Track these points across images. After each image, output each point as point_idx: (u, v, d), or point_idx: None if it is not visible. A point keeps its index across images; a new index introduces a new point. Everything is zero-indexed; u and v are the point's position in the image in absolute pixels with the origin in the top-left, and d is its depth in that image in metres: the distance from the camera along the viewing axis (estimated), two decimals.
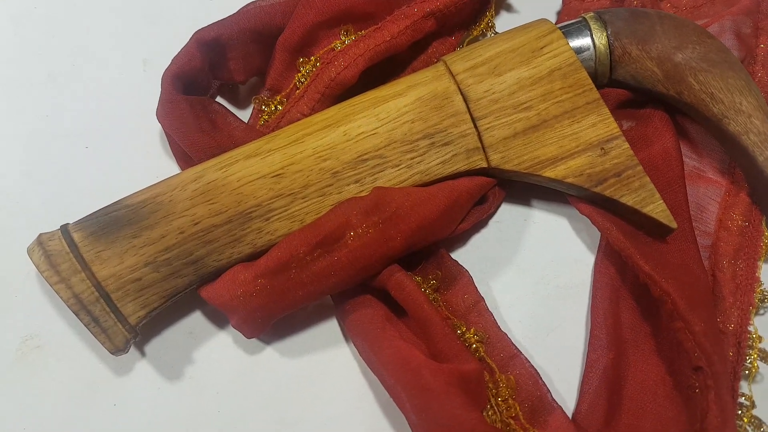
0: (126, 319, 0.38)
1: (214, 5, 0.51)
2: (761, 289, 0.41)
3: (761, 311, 0.41)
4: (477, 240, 0.44)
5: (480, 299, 0.41)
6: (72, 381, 0.41)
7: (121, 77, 0.49)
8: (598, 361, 0.39)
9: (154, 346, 0.42)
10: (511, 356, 0.40)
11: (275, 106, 0.45)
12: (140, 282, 0.38)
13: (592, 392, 0.39)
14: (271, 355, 0.41)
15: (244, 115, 0.48)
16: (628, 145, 0.40)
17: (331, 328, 0.42)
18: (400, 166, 0.40)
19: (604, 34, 0.42)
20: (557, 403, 0.38)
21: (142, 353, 0.42)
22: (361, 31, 0.44)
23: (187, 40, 0.43)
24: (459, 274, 0.42)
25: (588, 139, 0.40)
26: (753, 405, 0.38)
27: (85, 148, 0.46)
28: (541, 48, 0.41)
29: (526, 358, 0.39)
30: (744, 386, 0.39)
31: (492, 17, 0.48)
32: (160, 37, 0.50)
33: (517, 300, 0.42)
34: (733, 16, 0.47)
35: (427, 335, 0.39)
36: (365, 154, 0.40)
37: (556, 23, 0.48)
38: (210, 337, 0.42)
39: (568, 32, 0.43)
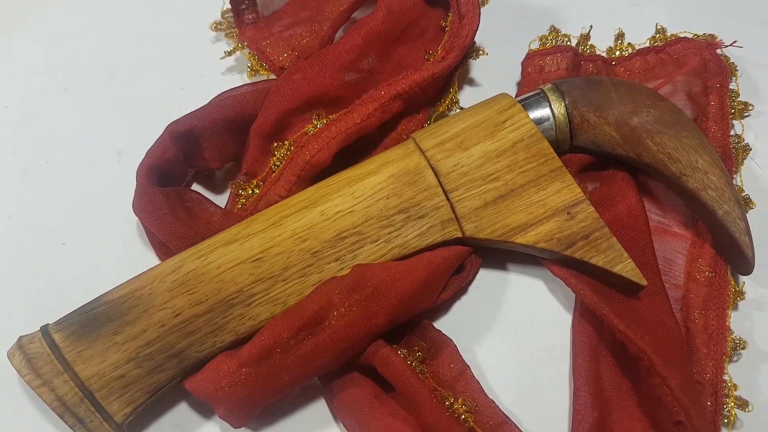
0: (112, 418, 0.38)
1: (186, 94, 0.52)
2: (732, 338, 0.42)
3: (734, 359, 0.42)
4: (458, 307, 0.45)
5: (466, 367, 0.42)
6: None
7: (95, 170, 0.49)
8: (583, 421, 0.40)
9: None
10: (500, 423, 0.40)
11: (252, 190, 0.46)
12: (124, 379, 0.38)
13: None
14: None
15: (222, 199, 0.49)
16: (593, 209, 0.42)
17: (319, 408, 0.42)
18: (379, 242, 0.41)
19: (563, 104, 0.45)
20: None
21: None
22: (332, 114, 0.46)
23: (162, 129, 0.44)
24: (443, 343, 0.43)
25: (554, 205, 0.42)
26: None
27: (62, 245, 0.47)
28: (504, 122, 0.43)
29: (515, 424, 0.40)
30: None
31: (456, 93, 0.50)
32: (133, 127, 0.51)
33: (502, 365, 0.43)
34: (684, 76, 0.49)
35: (416, 410, 0.39)
36: (343, 232, 0.41)
37: (516, 94, 0.51)
38: (197, 428, 0.41)
39: (528, 104, 0.45)
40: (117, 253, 0.46)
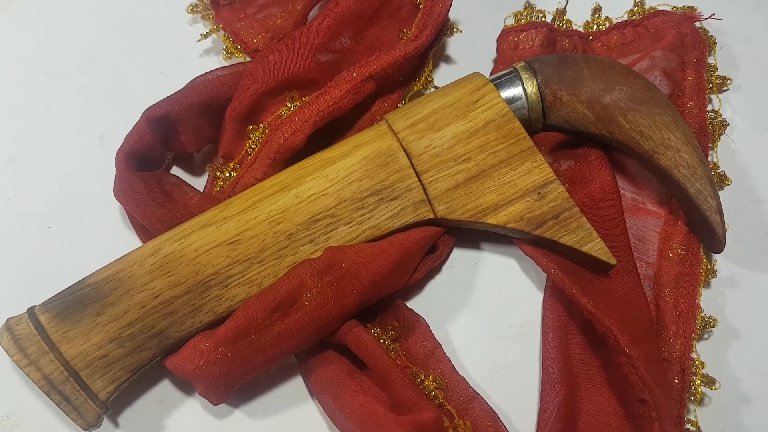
0: (96, 395, 0.39)
1: (164, 78, 0.52)
2: (702, 316, 0.42)
3: (705, 336, 0.43)
4: (432, 286, 0.46)
5: (437, 345, 0.43)
6: None
7: (79, 155, 0.50)
8: (552, 397, 0.41)
9: (126, 416, 0.43)
10: (469, 399, 0.41)
11: (229, 173, 0.47)
12: (107, 358, 0.39)
13: (549, 428, 0.40)
14: (239, 417, 0.43)
15: (201, 181, 0.49)
16: (564, 188, 0.42)
17: (296, 385, 0.43)
18: (352, 223, 0.42)
19: (535, 82, 0.45)
20: None
21: (116, 424, 0.43)
22: (305, 97, 0.46)
23: (142, 113, 0.45)
24: (416, 322, 0.44)
25: (525, 185, 0.42)
26: (699, 430, 0.40)
27: (48, 228, 0.48)
28: (475, 102, 0.43)
29: (484, 400, 0.41)
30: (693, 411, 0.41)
31: (430, 72, 0.50)
32: (115, 112, 0.51)
33: (473, 342, 0.44)
34: (660, 51, 0.49)
35: (387, 386, 0.40)
36: (317, 214, 0.42)
37: (491, 72, 0.51)
38: (179, 404, 0.43)
39: (501, 83, 0.45)
40: (101, 235, 0.48)
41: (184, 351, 0.40)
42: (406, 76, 0.49)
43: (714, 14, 0.50)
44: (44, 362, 0.39)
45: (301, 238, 0.41)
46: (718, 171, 0.47)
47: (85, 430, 0.40)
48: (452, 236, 0.46)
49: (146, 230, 0.45)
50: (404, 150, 0.43)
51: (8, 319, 0.40)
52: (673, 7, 0.51)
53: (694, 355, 0.41)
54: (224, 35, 0.51)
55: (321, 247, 0.42)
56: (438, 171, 0.43)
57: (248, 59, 0.50)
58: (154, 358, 0.41)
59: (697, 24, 0.50)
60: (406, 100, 0.50)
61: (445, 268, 0.46)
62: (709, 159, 0.48)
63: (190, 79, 0.47)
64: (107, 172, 0.45)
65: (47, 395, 0.39)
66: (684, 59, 0.49)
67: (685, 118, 0.47)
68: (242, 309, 0.40)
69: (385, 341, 0.43)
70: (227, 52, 0.50)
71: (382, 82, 0.47)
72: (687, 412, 0.41)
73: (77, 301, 0.40)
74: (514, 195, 0.42)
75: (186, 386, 0.44)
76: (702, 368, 0.41)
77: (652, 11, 0.51)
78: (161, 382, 0.44)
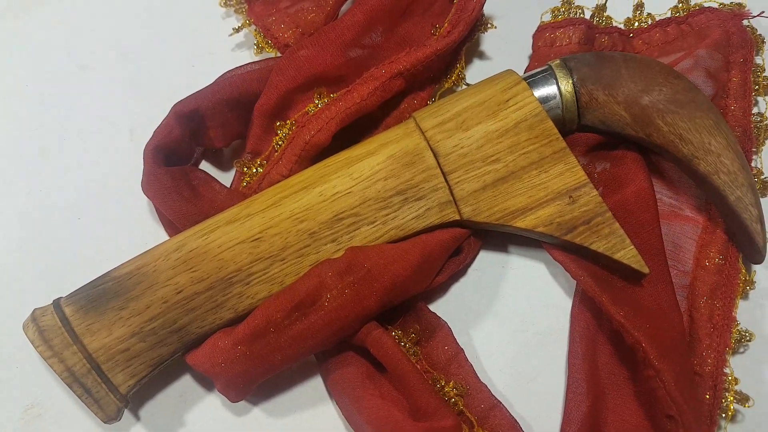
0: (117, 389, 0.40)
1: (196, 71, 0.52)
2: (738, 329, 0.41)
3: (740, 350, 0.41)
4: (456, 289, 0.45)
5: (460, 350, 0.42)
6: None
7: (109, 148, 0.50)
8: (577, 408, 0.40)
9: (147, 409, 0.43)
10: (490, 407, 0.40)
11: (256, 169, 0.47)
12: (128, 352, 0.40)
13: None
14: (258, 415, 0.42)
15: (229, 176, 0.49)
16: (597, 192, 0.40)
17: (315, 385, 0.43)
18: (376, 223, 0.41)
19: (570, 81, 0.43)
20: None
21: (137, 417, 0.43)
22: (333, 93, 0.46)
23: (171, 106, 0.45)
24: (438, 326, 0.43)
25: (556, 188, 0.41)
26: None
27: (77, 220, 0.48)
28: (507, 101, 0.42)
29: (506, 408, 0.40)
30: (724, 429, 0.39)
31: (462, 69, 0.49)
32: (145, 105, 0.51)
33: (498, 349, 0.43)
34: (705, 50, 0.47)
35: (406, 391, 0.40)
36: (341, 213, 0.41)
37: (525, 70, 0.49)
38: (200, 399, 0.43)
39: (534, 82, 0.43)
40: (128, 228, 0.48)
41: (204, 348, 0.40)
42: (437, 73, 0.48)
43: (763, 12, 0.47)
44: (67, 354, 0.39)
45: (323, 236, 0.41)
46: (762, 177, 0.45)
47: (105, 422, 0.40)
48: (478, 239, 0.45)
49: (173, 225, 0.46)
50: (431, 149, 0.42)
51: (34, 310, 0.40)
52: (720, 4, 0.48)
53: (727, 370, 0.40)
54: (255, 30, 0.50)
55: (343, 247, 0.41)
56: (465, 171, 0.42)
57: (279, 54, 0.49)
58: (175, 353, 0.41)
59: (745, 22, 0.47)
60: (437, 98, 0.49)
61: (470, 271, 0.45)
62: (753, 164, 0.46)
63: (221, 74, 0.47)
64: (136, 165, 0.45)
65: (69, 387, 0.39)
66: (729, 59, 0.47)
67: (728, 121, 0.45)
68: (261, 308, 0.39)
69: (405, 344, 0.42)
70: (258, 46, 0.50)
71: (412, 79, 0.46)
72: (718, 429, 0.39)
73: (101, 295, 0.40)
74: (545, 198, 0.41)
75: (207, 382, 0.44)
76: (735, 384, 0.39)
77: (697, 8, 0.49)
78: (183, 377, 0.44)
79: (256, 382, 0.41)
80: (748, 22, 0.47)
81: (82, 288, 0.41)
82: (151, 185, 0.44)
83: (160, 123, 0.45)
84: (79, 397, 0.39)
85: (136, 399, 0.43)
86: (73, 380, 0.39)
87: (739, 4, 0.48)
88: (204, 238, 0.41)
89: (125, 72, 0.53)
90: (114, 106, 0.52)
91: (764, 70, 0.47)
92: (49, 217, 0.49)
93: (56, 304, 0.40)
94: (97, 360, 0.39)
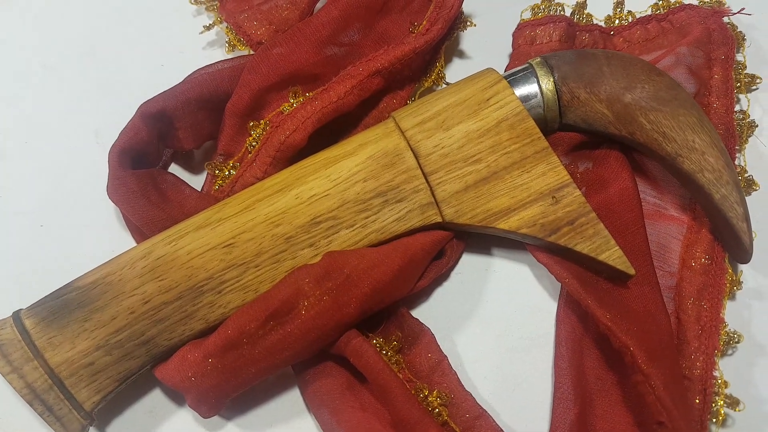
0: (81, 406, 0.38)
1: (166, 70, 0.51)
2: (726, 330, 0.40)
3: (729, 352, 0.40)
4: (439, 294, 0.44)
5: (443, 358, 0.41)
6: None
7: (73, 150, 0.48)
8: (564, 415, 0.38)
9: (115, 427, 0.41)
10: (476, 417, 0.39)
11: (228, 171, 0.45)
12: (93, 366, 0.38)
13: None
14: (232, 430, 0.40)
15: (200, 179, 0.48)
16: (580, 192, 0.39)
17: (293, 398, 0.41)
18: (355, 227, 0.40)
19: (551, 79, 0.42)
20: None
21: None
22: (309, 92, 0.44)
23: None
24: (421, 333, 0.41)
25: (539, 188, 0.40)
26: None
27: (39, 227, 0.46)
28: (488, 99, 0.41)
29: (492, 418, 0.39)
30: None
31: (442, 67, 0.48)
32: (112, 106, 0.50)
33: (482, 355, 0.42)
34: (686, 47, 0.46)
35: (388, 402, 0.38)
36: (318, 216, 0.40)
37: (505, 68, 0.48)
38: (170, 415, 0.41)
39: (515, 80, 0.42)
40: (94, 235, 0.46)
41: (172, 361, 0.38)
42: (417, 72, 0.47)
43: (743, 9, 0.47)
44: (28, 369, 0.37)
45: (300, 241, 0.39)
46: (746, 175, 0.44)
47: None
48: (461, 241, 0.43)
49: (141, 231, 0.44)
50: (411, 149, 0.40)
51: None
52: (700, 1, 0.48)
53: (716, 373, 0.39)
54: (227, 27, 0.49)
55: (321, 252, 0.39)
56: (447, 172, 0.40)
57: (252, 52, 0.48)
58: (143, 366, 0.39)
59: (726, 19, 0.47)
60: (416, 97, 0.47)
61: (453, 274, 0.44)
62: (737, 162, 0.45)
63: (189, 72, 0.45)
64: (102, 168, 0.43)
65: (29, 404, 0.37)
66: (711, 56, 0.46)
67: (710, 119, 0.45)
68: (234, 317, 0.37)
69: (387, 352, 0.40)
70: (230, 44, 0.49)
71: (391, 78, 0.45)
72: None
73: (64, 306, 0.38)
74: (527, 199, 0.40)
75: (178, 397, 0.42)
76: (725, 387, 0.38)
77: (677, 5, 0.48)
78: (152, 391, 0.42)
79: (229, 396, 0.39)
80: (729, 19, 0.47)
81: (43, 299, 0.39)
82: (116, 189, 0.42)
83: (125, 125, 0.43)
84: (40, 415, 0.37)
85: (102, 416, 0.41)
86: (33, 397, 0.37)
87: (719, 2, 0.48)
88: (172, 245, 0.39)
89: (91, 71, 0.51)
90: (79, 107, 0.50)
91: (745, 67, 0.47)
92: (9, 223, 0.47)
93: (16, 316, 0.38)
94: (60, 375, 0.37)
